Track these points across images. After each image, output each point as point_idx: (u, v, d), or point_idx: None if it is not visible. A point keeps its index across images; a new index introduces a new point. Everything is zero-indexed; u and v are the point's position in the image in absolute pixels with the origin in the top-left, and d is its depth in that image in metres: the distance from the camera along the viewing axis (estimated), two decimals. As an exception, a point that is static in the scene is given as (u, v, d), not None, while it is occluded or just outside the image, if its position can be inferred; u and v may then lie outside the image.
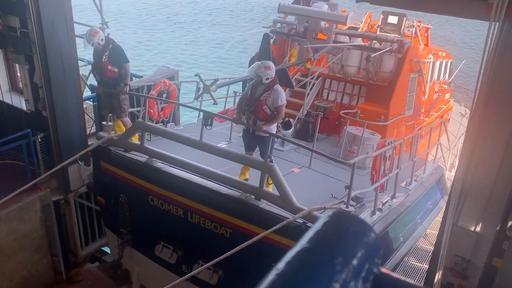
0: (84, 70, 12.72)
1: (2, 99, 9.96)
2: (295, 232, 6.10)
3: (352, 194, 6.68)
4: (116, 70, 8.39)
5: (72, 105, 9.11)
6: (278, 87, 7.21)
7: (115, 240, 8.62)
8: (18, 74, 10.45)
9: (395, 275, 0.82)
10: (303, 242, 0.79)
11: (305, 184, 8.09)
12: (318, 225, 0.82)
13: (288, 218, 6.15)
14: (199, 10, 52.70)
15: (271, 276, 0.76)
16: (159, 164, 7.78)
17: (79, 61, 10.18)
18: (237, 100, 9.32)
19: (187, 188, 7.22)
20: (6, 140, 8.24)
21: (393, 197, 8.11)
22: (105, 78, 8.47)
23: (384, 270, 0.81)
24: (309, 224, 6.21)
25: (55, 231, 9.23)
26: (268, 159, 6.59)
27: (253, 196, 6.81)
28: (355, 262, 0.75)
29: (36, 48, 8.46)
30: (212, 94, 7.76)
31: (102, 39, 8.26)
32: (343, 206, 6.60)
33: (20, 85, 10.32)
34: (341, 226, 0.82)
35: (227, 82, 9.92)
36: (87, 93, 11.16)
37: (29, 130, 8.58)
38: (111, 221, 8.91)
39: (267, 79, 7.08)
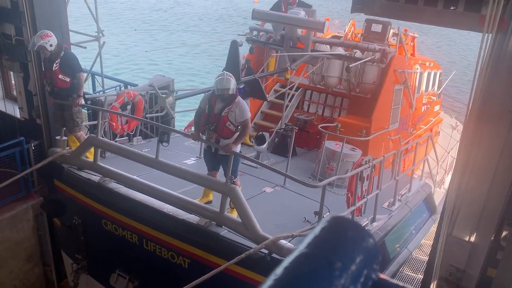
0: (79, 78, 12.70)
1: (-5, 107, 9.92)
2: (258, 263, 5.58)
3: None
4: (68, 80, 7.70)
5: (67, 113, 9.09)
6: (240, 99, 6.50)
7: (70, 266, 7.95)
8: (13, 82, 10.43)
9: (393, 281, 0.81)
10: (301, 247, 0.79)
11: (277, 206, 7.43)
12: (316, 230, 0.81)
13: (251, 247, 5.56)
14: (180, 16, 52.28)
15: (269, 282, 0.75)
16: (113, 184, 7.06)
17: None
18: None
19: (142, 212, 6.52)
20: (-1, 148, 8.20)
21: (373, 220, 7.42)
22: (55, 88, 7.76)
23: (382, 276, 0.81)
24: (274, 255, 5.55)
25: (47, 240, 9.15)
26: (230, 181, 5.93)
27: (213, 222, 6.12)
28: (353, 267, 0.75)
29: (31, 56, 8.46)
30: (168, 107, 7.15)
31: (51, 44, 7.52)
32: None
33: (14, 93, 10.30)
34: (340, 231, 0.81)
35: (186, 94, 9.16)
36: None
37: (22, 138, 8.53)
38: (66, 245, 8.26)
39: (233, 91, 6.37)
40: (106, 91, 12.22)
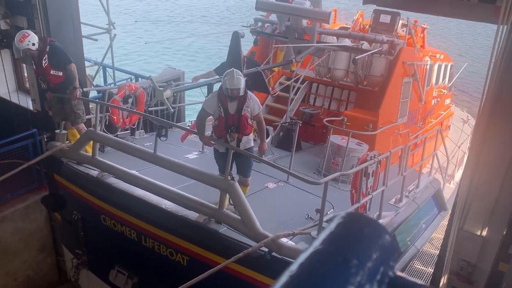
0: (91, 70, 12.80)
1: (9, 99, 10.03)
2: (257, 262, 5.45)
3: (328, 217, 5.94)
4: (61, 74, 7.47)
5: (78, 105, 9.14)
6: (250, 92, 6.26)
7: (71, 261, 7.93)
8: (25, 74, 10.53)
9: (410, 278, 0.81)
10: (316, 243, 0.79)
11: (279, 202, 7.24)
12: (331, 227, 0.81)
13: (250, 245, 5.42)
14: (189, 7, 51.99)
15: (284, 278, 0.75)
16: (111, 179, 6.93)
17: (85, 61, 10.24)
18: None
19: (140, 208, 6.39)
20: (12, 140, 8.30)
21: (378, 217, 7.12)
22: (51, 84, 7.59)
23: (399, 273, 0.81)
24: (274, 253, 5.40)
25: (60, 230, 9.28)
26: (230, 176, 5.75)
27: (213, 219, 5.97)
28: (370, 264, 0.75)
29: (43, 48, 8.52)
30: (166, 100, 6.98)
31: (34, 43, 7.19)
32: (314, 233, 5.68)
33: (27, 85, 10.40)
34: (356, 228, 0.81)
35: (185, 87, 8.97)
36: (93, 93, 11.21)
37: (35, 129, 8.63)
38: (67, 240, 8.26)
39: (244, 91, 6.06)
40: (117, 83, 12.27)
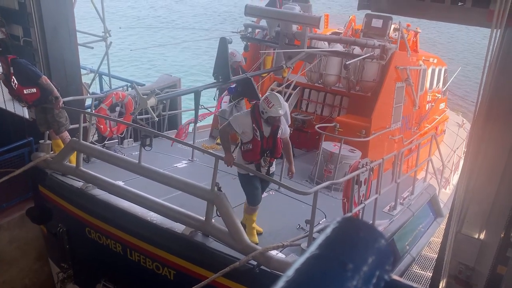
0: (87, 78, 12.81)
1: (4, 107, 10.01)
2: (246, 276, 5.29)
3: (319, 227, 5.86)
4: (35, 91, 7.16)
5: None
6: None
7: (56, 275, 7.79)
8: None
9: (406, 282, 0.81)
10: (312, 248, 0.79)
11: (270, 212, 6.92)
12: (327, 231, 0.81)
13: (238, 259, 5.24)
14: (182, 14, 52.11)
15: (281, 283, 0.75)
16: (96, 191, 6.72)
17: (81, 69, 10.25)
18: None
19: (125, 220, 6.17)
20: (8, 148, 8.27)
21: None
22: (29, 103, 7.34)
23: (394, 277, 0.81)
24: (263, 267, 5.21)
25: (56, 239, 9.23)
26: (216, 187, 5.54)
27: (199, 232, 5.79)
28: (365, 268, 0.75)
29: (38, 57, 8.54)
30: (149, 108, 6.79)
31: None
32: (304, 245, 5.49)
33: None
34: (351, 232, 0.81)
35: (170, 95, 8.80)
36: (89, 101, 11.20)
37: (31, 138, 8.59)
38: (53, 253, 8.08)
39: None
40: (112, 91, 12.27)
